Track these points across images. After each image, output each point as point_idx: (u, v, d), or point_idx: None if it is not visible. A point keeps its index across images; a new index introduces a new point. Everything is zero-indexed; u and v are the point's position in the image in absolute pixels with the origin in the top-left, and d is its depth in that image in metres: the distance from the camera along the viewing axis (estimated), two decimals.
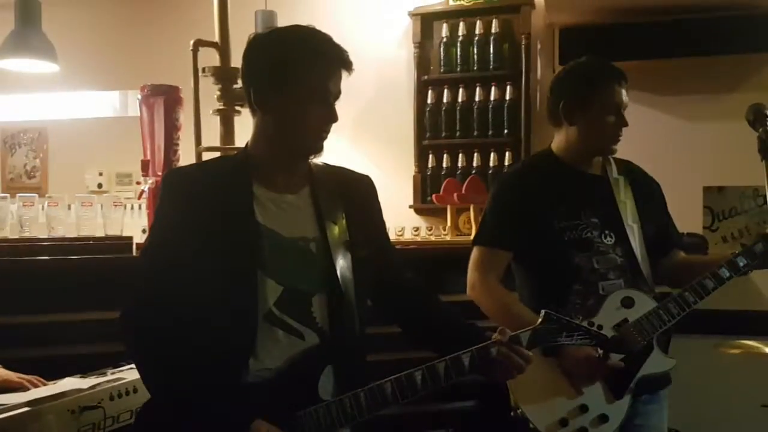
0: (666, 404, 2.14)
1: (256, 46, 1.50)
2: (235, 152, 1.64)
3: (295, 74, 1.43)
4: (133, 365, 2.00)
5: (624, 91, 2.02)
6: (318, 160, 1.57)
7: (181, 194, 1.47)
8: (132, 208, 3.15)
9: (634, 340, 1.96)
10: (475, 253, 2.12)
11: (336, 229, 1.50)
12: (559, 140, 2.13)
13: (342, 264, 1.48)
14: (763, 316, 3.17)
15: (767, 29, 3.30)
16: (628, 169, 2.16)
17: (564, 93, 2.07)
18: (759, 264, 1.97)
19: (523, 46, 3.71)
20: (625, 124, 2.03)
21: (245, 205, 1.46)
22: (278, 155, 1.49)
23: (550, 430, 1.95)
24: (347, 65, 1.47)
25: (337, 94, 1.48)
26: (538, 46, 3.77)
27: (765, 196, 1.67)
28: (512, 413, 2.01)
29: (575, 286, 2.01)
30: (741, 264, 1.97)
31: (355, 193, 1.58)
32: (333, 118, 1.47)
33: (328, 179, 1.56)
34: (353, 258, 1.50)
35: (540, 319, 1.52)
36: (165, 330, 1.40)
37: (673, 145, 3.50)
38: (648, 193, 2.15)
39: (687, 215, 3.58)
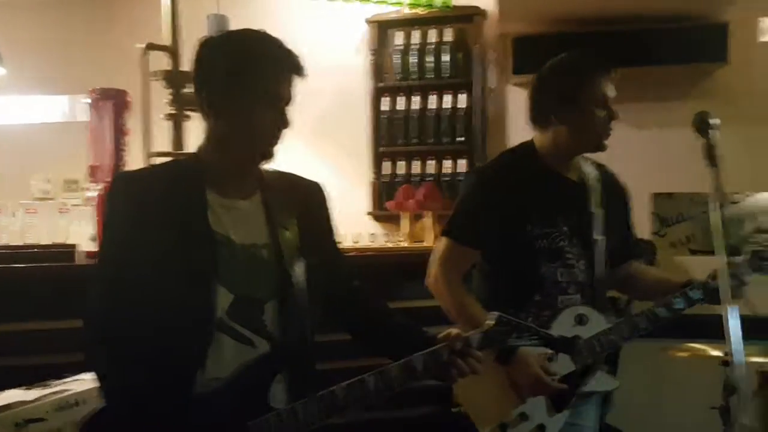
0: (597, 404, 2.17)
1: (208, 49, 1.48)
2: (186, 157, 1.61)
3: (248, 79, 1.41)
4: (77, 377, 1.95)
5: (611, 84, 1.98)
6: (270, 166, 1.56)
7: (131, 199, 1.43)
8: (80, 215, 3.07)
9: (584, 358, 1.99)
10: (443, 244, 2.08)
11: (288, 236, 1.49)
12: (543, 138, 2.06)
13: (294, 271, 1.47)
14: (709, 320, 3.26)
15: (714, 39, 3.41)
16: (603, 174, 2.15)
17: (552, 91, 2.01)
18: (712, 300, 1.97)
19: (476, 55, 3.75)
20: (615, 117, 2.00)
21: (199, 211, 1.43)
22: (230, 160, 1.47)
23: None
24: (299, 70, 1.46)
25: (289, 99, 1.46)
26: (492, 56, 3.81)
27: (712, 202, 1.71)
28: (454, 409, 2.02)
29: (536, 296, 2.02)
30: (695, 297, 2.01)
31: (306, 200, 1.57)
32: (284, 123, 1.45)
33: (280, 185, 1.54)
34: (305, 265, 1.49)
35: (491, 322, 1.52)
36: (126, 339, 1.37)
37: (623, 153, 3.51)
38: (618, 202, 2.16)
39: (636, 221, 3.64)
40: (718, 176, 1.60)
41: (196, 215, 1.42)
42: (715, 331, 1.91)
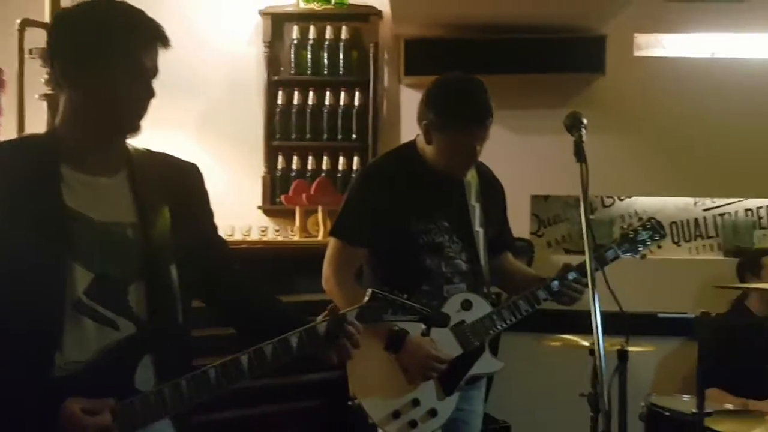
0: (483, 389, 2.28)
1: (62, 18, 1.43)
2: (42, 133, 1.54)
3: (107, 48, 1.36)
4: None
5: (480, 133, 2.03)
6: (142, 145, 1.50)
7: None
8: None
9: (468, 340, 2.09)
10: (331, 245, 2.13)
11: (157, 216, 1.43)
12: (422, 140, 2.14)
13: (163, 252, 1.42)
14: (578, 315, 3.50)
15: (593, 51, 3.62)
16: (480, 170, 2.25)
17: (427, 113, 2.08)
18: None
19: (371, 54, 3.78)
20: (475, 159, 2.09)
21: (50, 186, 1.35)
22: (89, 134, 1.41)
23: (383, 422, 2.01)
24: (163, 40, 1.42)
25: (155, 70, 1.42)
26: (385, 56, 3.85)
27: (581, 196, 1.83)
28: (350, 402, 2.06)
29: (423, 286, 2.09)
30: (571, 278, 2.14)
31: (180, 181, 1.52)
32: (149, 93, 1.41)
33: (150, 164, 1.48)
34: (176, 246, 1.44)
35: (367, 297, 1.56)
36: None
37: (505, 156, 3.65)
38: (494, 196, 2.27)
39: (516, 221, 3.79)
40: (585, 171, 1.71)
41: (48, 191, 1.35)
42: (586, 326, 2.06)
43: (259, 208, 3.82)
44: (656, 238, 2.31)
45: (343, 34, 3.81)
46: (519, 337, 3.54)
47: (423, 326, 1.66)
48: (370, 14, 3.80)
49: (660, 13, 3.86)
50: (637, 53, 3.92)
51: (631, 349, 2.51)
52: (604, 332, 2.06)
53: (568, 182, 3.20)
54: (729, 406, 2.81)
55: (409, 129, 3.98)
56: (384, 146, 3.77)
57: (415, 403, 2.05)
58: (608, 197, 3.98)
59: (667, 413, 2.72)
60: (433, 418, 2.06)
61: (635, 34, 3.90)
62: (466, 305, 2.11)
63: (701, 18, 3.84)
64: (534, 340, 3.29)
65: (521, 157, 3.78)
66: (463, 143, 2.05)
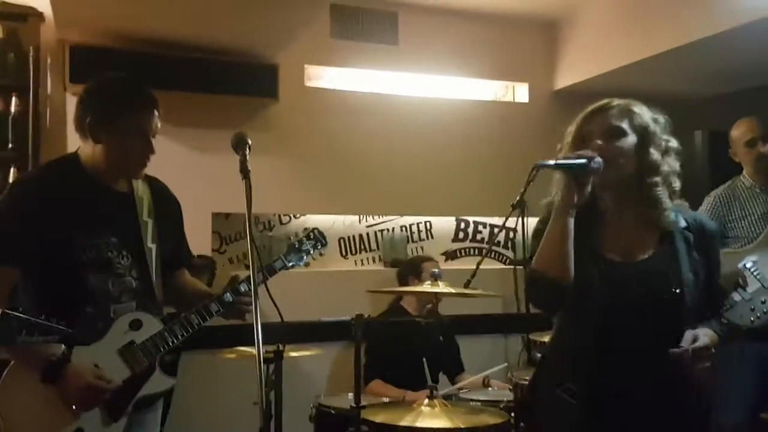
0: (160, 410, 2.24)
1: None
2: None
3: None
4: None
5: (154, 119, 2.03)
6: None
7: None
8: None
9: (139, 361, 2.02)
10: None
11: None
12: (86, 151, 2.05)
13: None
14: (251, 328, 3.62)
15: (266, 77, 3.81)
16: (154, 186, 2.20)
17: (91, 110, 2.01)
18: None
19: (31, 58, 3.46)
20: (152, 152, 2.05)
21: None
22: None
23: None
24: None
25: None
26: (48, 61, 3.58)
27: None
28: None
29: (87, 308, 1.98)
30: (243, 289, 2.19)
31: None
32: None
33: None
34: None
35: None
36: None
37: (185, 174, 3.67)
38: (169, 212, 2.24)
39: (197, 239, 3.77)
40: (248, 188, 1.81)
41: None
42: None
43: None
44: (319, 247, 2.52)
45: None
46: (197, 355, 3.53)
47: (64, 347, 1.57)
48: (29, 15, 3.48)
49: (327, 48, 4.22)
50: (308, 83, 4.23)
51: (294, 354, 2.70)
52: (277, 340, 2.16)
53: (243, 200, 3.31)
54: (386, 399, 3.14)
55: (76, 139, 3.74)
56: (47, 158, 3.45)
57: None
58: (285, 215, 4.20)
59: (332, 411, 2.94)
60: None
61: (306, 65, 4.20)
62: (136, 325, 2.04)
63: (362, 56, 4.30)
64: (212, 356, 3.33)
65: (201, 175, 3.80)
66: (136, 132, 2.02)
